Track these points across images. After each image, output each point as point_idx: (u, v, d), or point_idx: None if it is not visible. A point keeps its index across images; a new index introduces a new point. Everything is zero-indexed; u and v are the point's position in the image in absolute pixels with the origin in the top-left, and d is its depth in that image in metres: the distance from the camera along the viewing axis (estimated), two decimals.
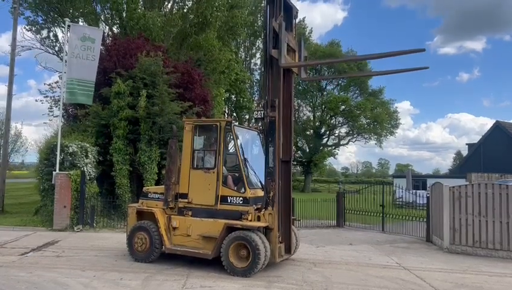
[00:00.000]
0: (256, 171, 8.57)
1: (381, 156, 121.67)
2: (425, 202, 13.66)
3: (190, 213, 8.38)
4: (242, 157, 8.17)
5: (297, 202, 15.80)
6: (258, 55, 37.06)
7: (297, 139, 48.09)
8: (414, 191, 20.56)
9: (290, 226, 8.46)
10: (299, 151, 48.87)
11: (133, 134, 15.59)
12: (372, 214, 15.76)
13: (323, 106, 46.21)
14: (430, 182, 19.48)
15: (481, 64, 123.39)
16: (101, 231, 13.30)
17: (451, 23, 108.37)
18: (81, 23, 19.92)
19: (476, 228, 10.55)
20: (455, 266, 9.15)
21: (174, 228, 8.46)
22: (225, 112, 31.70)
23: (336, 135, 49.07)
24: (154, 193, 9.14)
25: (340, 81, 47.05)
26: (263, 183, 8.20)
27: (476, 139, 42.76)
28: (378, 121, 44.10)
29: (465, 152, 48.50)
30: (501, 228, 10.22)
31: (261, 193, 8.19)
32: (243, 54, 36.36)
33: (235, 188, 8.16)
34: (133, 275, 7.64)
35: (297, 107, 47.17)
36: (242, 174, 8.08)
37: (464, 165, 39.95)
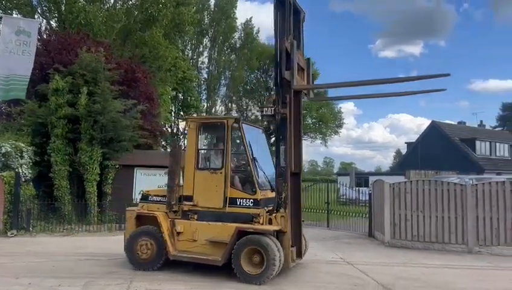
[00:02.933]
0: (264, 171, 8.09)
1: (327, 154, 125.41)
2: (367, 198, 14.17)
3: (196, 217, 7.83)
4: (251, 157, 7.68)
5: None
6: (205, 53, 36.74)
7: None
8: (357, 188, 21.27)
9: (301, 228, 8.09)
10: None
11: (73, 133, 14.86)
12: (317, 211, 16.14)
13: None
14: (372, 179, 20.24)
15: (418, 67, 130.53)
16: (38, 235, 12.55)
17: (392, 28, 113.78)
18: (15, 16, 18.70)
19: (414, 222, 11.08)
20: (396, 260, 9.54)
21: (179, 233, 7.85)
22: (172, 110, 31.11)
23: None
24: (155, 195, 8.48)
25: None
26: (272, 184, 7.88)
27: (414, 138, 45.28)
28: (323, 120, 45.22)
29: (404, 150, 50.94)
30: (436, 222, 10.81)
31: (271, 195, 7.77)
32: (190, 52, 35.87)
33: (244, 189, 7.70)
34: (72, 281, 7.25)
35: (245, 107, 47.32)
36: (252, 175, 7.60)
37: (403, 163, 41.88)
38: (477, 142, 36.21)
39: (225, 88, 38.25)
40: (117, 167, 15.34)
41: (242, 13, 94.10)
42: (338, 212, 15.70)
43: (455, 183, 11.23)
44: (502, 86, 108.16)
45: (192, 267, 7.92)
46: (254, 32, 39.72)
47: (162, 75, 22.38)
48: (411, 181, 11.76)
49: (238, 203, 7.54)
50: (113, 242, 11.30)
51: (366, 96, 8.46)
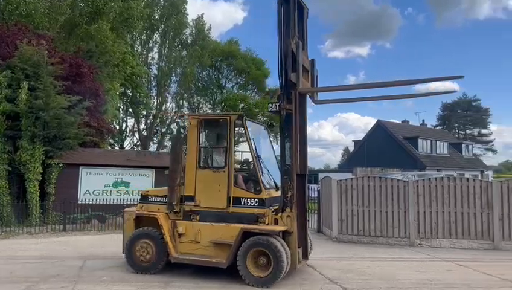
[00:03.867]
0: (268, 170, 7.88)
1: (278, 152, 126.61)
2: (316, 195, 14.52)
3: (198, 217, 7.52)
4: (256, 155, 7.46)
5: None
6: (155, 49, 35.90)
7: None
8: (307, 185, 21.68)
9: (306, 229, 7.87)
10: None
11: (13, 130, 14.05)
12: None
13: (223, 104, 46.53)
14: (321, 176, 20.74)
15: (366, 68, 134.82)
16: None
17: (341, 29, 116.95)
18: None
19: (360, 218, 11.51)
20: (343, 254, 9.87)
21: (180, 235, 7.55)
22: (120, 107, 30.20)
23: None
24: (154, 195, 8.12)
25: (239, 80, 47.82)
26: (277, 182, 7.70)
27: (361, 136, 46.87)
28: (275, 119, 45.75)
29: (352, 148, 52.61)
30: (381, 217, 11.29)
31: (275, 194, 7.54)
32: (140, 47, 34.93)
33: (248, 188, 7.45)
34: (11, 286, 6.86)
35: (197, 104, 46.83)
36: (257, 173, 7.33)
37: (350, 161, 43.27)
38: (420, 141, 38.06)
39: (176, 85, 37.62)
40: (61, 165, 14.70)
41: (193, 9, 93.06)
42: None
43: (398, 180, 11.76)
44: (442, 87, 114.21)
45: (193, 269, 7.63)
46: (206, 29, 39.36)
47: (109, 70, 21.62)
48: (357, 178, 12.18)
49: (243, 203, 7.26)
50: (57, 244, 10.83)
51: (372, 99, 7.90)
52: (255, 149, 7.50)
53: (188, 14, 36.38)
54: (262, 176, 7.38)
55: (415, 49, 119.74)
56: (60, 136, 14.57)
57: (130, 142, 34.64)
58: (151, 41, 35.15)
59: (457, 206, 10.90)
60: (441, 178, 11.34)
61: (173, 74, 36.73)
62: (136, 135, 34.56)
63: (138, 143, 34.08)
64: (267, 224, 7.09)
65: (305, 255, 7.80)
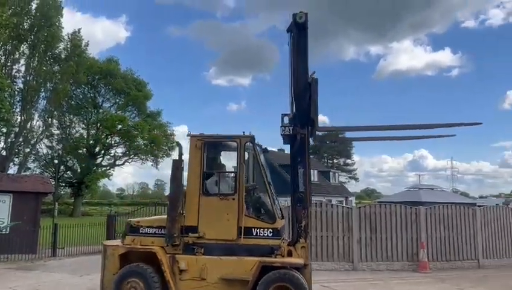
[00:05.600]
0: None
1: (159, 176, 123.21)
2: None
3: (202, 251, 6.60)
4: (268, 181, 6.86)
5: (62, 228, 14.41)
6: (22, 61, 32.55)
7: (68, 158, 44.15)
8: None
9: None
10: (68, 172, 44.84)
11: None
12: None
13: (99, 124, 43.99)
14: None
15: (247, 97, 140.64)
16: None
17: (224, 58, 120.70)
18: None
19: None
20: None
21: (182, 271, 6.55)
22: None
23: (112, 154, 47.16)
24: (148, 226, 6.96)
25: (117, 100, 45.82)
26: (280, 210, 7.16)
27: None
28: (155, 142, 44.64)
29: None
30: None
31: (282, 223, 6.94)
32: (3, 58, 31.36)
33: (259, 217, 6.78)
34: None
35: (68, 123, 43.49)
36: (270, 200, 6.76)
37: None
38: None
39: (45, 101, 34.41)
40: None
41: (71, 23, 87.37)
42: None
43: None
44: None
45: None
46: (83, 45, 37.14)
47: None
48: None
49: (255, 234, 6.57)
50: None
51: (382, 139, 7.99)
52: (266, 174, 6.99)
53: (63, 28, 34.00)
54: (275, 203, 6.93)
55: None
56: None
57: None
58: (17, 53, 31.82)
59: (322, 230, 11.77)
60: (331, 205, 12.29)
61: (42, 90, 33.59)
62: None
63: None
64: (283, 256, 6.60)
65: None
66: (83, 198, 47.21)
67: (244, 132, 6.94)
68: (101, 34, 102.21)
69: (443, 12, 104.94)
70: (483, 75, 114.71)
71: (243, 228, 6.53)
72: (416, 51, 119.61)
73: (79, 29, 36.84)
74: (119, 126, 43.09)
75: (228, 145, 7.33)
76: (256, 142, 6.97)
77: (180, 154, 7.05)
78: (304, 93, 6.97)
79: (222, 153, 7.56)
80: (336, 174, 49.50)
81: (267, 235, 6.58)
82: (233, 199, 6.65)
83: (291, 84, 7.14)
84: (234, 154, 6.98)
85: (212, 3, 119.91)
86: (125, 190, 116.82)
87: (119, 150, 47.01)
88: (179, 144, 7.03)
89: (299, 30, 7.06)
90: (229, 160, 7.42)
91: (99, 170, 45.16)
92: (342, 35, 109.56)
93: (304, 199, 6.78)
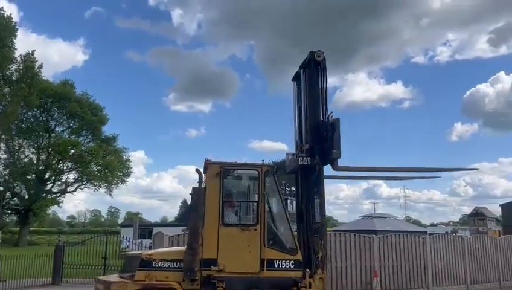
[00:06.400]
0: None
1: (112, 203, 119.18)
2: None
3: (224, 285, 6.18)
4: (287, 211, 6.80)
5: (4, 259, 13.53)
6: None
7: (15, 184, 41.88)
8: (141, 240, 20.80)
9: None
10: (15, 198, 42.43)
11: None
12: (94, 267, 15.01)
13: (51, 149, 42.28)
14: (156, 230, 20.16)
15: (207, 124, 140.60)
16: None
17: (184, 84, 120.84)
18: None
19: None
20: None
21: None
22: None
23: (63, 180, 45.24)
24: (162, 260, 6.32)
25: (71, 124, 44.39)
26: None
27: None
28: (109, 168, 43.31)
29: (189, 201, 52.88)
30: None
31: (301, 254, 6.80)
32: None
33: (280, 248, 6.55)
34: None
35: (17, 147, 41.50)
36: (290, 231, 6.67)
37: (187, 213, 43.29)
38: None
39: None
40: None
41: (25, 44, 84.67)
42: (116, 268, 14.90)
43: None
44: (274, 146, 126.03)
45: None
46: (36, 67, 36.03)
47: None
48: None
49: (277, 266, 6.37)
50: None
51: (377, 178, 8.89)
52: (285, 204, 7.02)
53: (15, 49, 32.93)
54: (293, 234, 6.80)
55: (251, 110, 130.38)
56: None
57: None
58: None
59: None
60: None
61: None
62: None
63: None
64: (309, 289, 6.45)
65: None
66: (29, 226, 44.69)
67: (263, 161, 6.90)
68: (56, 56, 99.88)
69: (395, 47, 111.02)
70: (432, 108, 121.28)
71: (265, 260, 6.34)
72: (371, 83, 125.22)
73: (33, 51, 35.89)
74: (72, 151, 41.65)
75: (249, 174, 7.08)
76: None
77: (201, 182, 6.60)
78: (323, 130, 7.08)
79: (242, 181, 7.32)
80: (294, 202, 49.86)
81: (289, 267, 6.46)
82: (255, 230, 6.42)
83: (298, 118, 7.56)
84: (252, 182, 6.95)
85: (172, 30, 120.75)
86: (76, 217, 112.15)
87: (71, 176, 45.28)
88: (198, 171, 6.66)
89: (317, 68, 7.31)
90: (247, 189, 7.30)
91: (49, 197, 43.12)
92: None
93: (320, 230, 6.80)
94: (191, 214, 6.64)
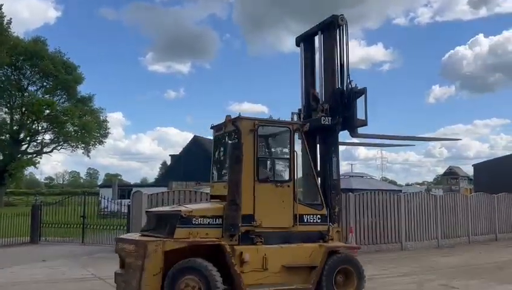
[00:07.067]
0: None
1: (91, 165, 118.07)
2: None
3: (261, 240, 6.32)
4: (314, 168, 7.12)
5: None
6: None
7: None
8: (120, 200, 20.77)
9: None
10: None
11: None
12: (72, 226, 15.01)
13: (24, 109, 41.04)
14: (135, 191, 20.11)
15: (186, 84, 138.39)
16: None
17: (162, 44, 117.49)
18: None
19: None
20: None
21: (243, 263, 6.09)
22: None
23: (39, 141, 44.28)
24: (201, 216, 6.13)
25: (45, 83, 42.96)
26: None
27: (180, 151, 47.29)
28: (86, 129, 42.45)
29: (170, 163, 52.70)
30: None
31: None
32: None
33: (308, 204, 6.93)
34: None
35: None
36: (317, 188, 7.02)
37: (167, 175, 43.27)
38: None
39: None
40: None
41: None
42: (95, 227, 14.95)
43: (207, 193, 12.21)
44: (253, 108, 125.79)
45: None
46: (5, 22, 34.37)
47: None
48: (168, 192, 12.20)
49: (306, 221, 6.71)
50: None
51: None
52: (312, 161, 7.15)
53: None
54: (319, 191, 7.08)
55: (231, 72, 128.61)
56: None
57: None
58: None
59: None
60: None
61: None
62: None
63: None
64: (333, 240, 6.97)
65: None
66: (6, 187, 44.04)
67: (292, 117, 7.25)
68: (26, 12, 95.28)
69: (376, 8, 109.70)
70: (412, 70, 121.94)
71: (297, 215, 6.62)
72: (352, 45, 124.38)
73: (0, 5, 34.01)
74: (47, 111, 40.55)
75: (281, 131, 7.16)
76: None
77: (240, 136, 6.45)
78: (344, 96, 7.53)
79: (274, 137, 7.42)
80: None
81: (317, 221, 6.82)
82: (288, 186, 6.62)
83: (308, 81, 8.15)
84: (284, 139, 7.02)
85: None
86: (54, 179, 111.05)
87: (47, 137, 44.29)
88: (236, 125, 6.51)
89: (338, 32, 7.76)
90: (278, 146, 7.46)
91: (25, 158, 42.29)
92: (282, 27, 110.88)
93: (337, 186, 7.38)
94: (232, 168, 6.34)
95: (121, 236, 6.87)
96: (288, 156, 6.86)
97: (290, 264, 6.42)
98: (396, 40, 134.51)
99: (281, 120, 7.06)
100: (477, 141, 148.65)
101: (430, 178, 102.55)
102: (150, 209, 7.17)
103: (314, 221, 6.82)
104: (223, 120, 6.76)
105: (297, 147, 6.97)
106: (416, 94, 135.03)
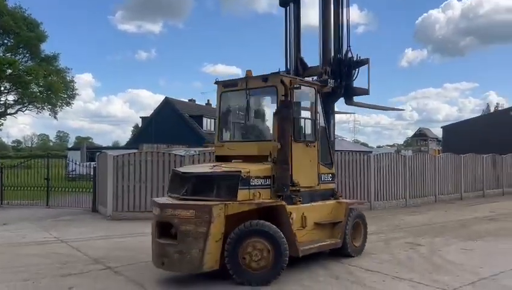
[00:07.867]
0: None
1: (61, 128, 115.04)
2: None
3: (300, 199, 6.40)
4: (329, 127, 7.34)
5: None
6: None
7: None
8: (89, 163, 20.26)
9: None
10: None
11: None
12: (36, 188, 14.54)
13: None
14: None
15: (158, 45, 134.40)
16: None
17: (132, 2, 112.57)
18: None
19: (136, 193, 11.25)
20: (115, 232, 9.42)
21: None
22: None
23: (2, 102, 42.29)
24: (256, 177, 5.89)
25: (5, 40, 40.61)
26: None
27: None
28: (52, 89, 40.69)
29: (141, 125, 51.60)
30: (157, 191, 11.25)
31: None
32: None
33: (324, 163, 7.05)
34: None
35: None
36: (328, 147, 7.11)
37: (138, 137, 42.47)
38: (204, 119, 40.16)
39: None
40: None
41: None
42: (60, 189, 14.51)
43: (176, 155, 11.93)
44: (227, 71, 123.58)
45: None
46: None
47: None
48: (135, 153, 11.84)
49: (323, 179, 6.95)
50: None
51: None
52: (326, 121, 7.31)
53: None
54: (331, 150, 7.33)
55: (204, 32, 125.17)
56: None
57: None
58: None
59: None
60: (203, 153, 12.05)
61: None
62: None
63: None
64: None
65: None
66: None
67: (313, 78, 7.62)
68: None
69: None
70: (386, 33, 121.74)
71: (320, 174, 6.87)
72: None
73: None
74: (9, 70, 38.49)
75: (308, 91, 6.95)
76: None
77: (287, 94, 6.17)
78: (344, 64, 8.01)
79: (303, 98, 7.16)
80: None
81: (330, 180, 7.12)
82: (314, 146, 6.74)
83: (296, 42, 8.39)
84: (310, 99, 6.97)
85: None
86: (22, 142, 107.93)
87: (10, 98, 42.27)
88: (283, 82, 6.19)
89: None
90: (302, 105, 7.25)
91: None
92: None
93: (333, 146, 7.67)
94: (281, 128, 6.08)
95: (162, 201, 6.22)
96: (313, 117, 6.85)
97: (322, 221, 6.73)
98: (372, 2, 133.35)
99: (308, 80, 7.26)
100: (447, 104, 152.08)
101: (401, 140, 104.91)
102: (185, 170, 6.43)
103: (328, 180, 7.10)
104: (235, 77, 6.96)
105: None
106: (390, 57, 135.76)
